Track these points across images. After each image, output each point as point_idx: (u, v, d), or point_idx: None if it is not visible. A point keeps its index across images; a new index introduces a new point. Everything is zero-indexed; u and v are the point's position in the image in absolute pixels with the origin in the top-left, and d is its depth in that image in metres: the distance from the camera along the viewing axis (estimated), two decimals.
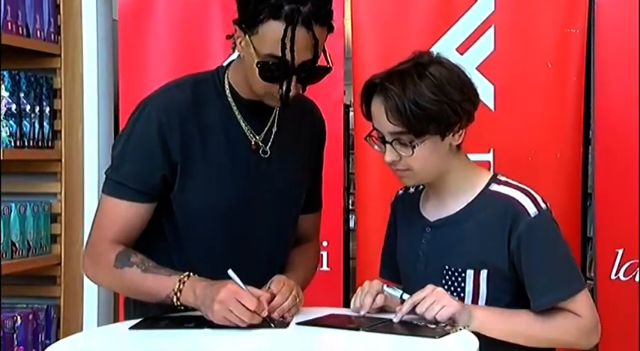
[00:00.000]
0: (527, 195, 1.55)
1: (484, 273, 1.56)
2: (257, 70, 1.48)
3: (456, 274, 1.57)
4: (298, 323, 1.50)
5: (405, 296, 1.52)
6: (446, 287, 1.55)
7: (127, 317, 1.67)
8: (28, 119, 2.43)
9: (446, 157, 1.56)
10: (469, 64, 2.26)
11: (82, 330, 2.49)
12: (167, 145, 1.55)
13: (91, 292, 2.55)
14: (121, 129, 2.44)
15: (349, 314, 1.57)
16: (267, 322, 1.46)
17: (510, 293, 1.57)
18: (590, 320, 1.55)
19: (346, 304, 1.65)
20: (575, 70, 2.29)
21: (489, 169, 2.16)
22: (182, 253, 1.62)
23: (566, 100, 2.30)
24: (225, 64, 1.66)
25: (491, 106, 2.33)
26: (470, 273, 1.56)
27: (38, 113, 2.47)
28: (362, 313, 1.54)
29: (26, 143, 2.43)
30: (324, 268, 2.39)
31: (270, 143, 1.62)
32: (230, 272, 1.47)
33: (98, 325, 2.52)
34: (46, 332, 2.51)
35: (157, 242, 1.62)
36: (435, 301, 1.48)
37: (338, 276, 2.46)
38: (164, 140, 1.55)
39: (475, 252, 1.56)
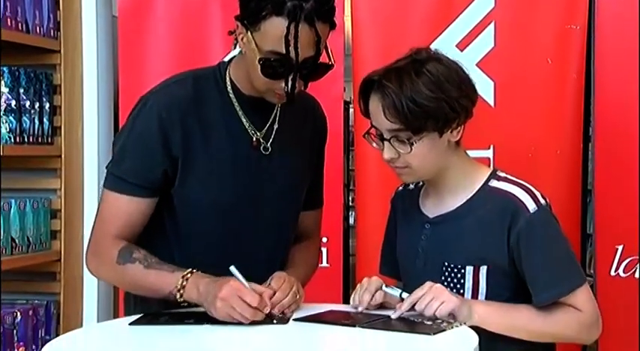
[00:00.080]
0: (526, 191, 1.55)
1: (483, 269, 1.56)
2: (259, 66, 1.48)
3: (456, 270, 1.57)
4: (296, 319, 1.50)
5: (405, 295, 1.52)
6: (445, 284, 1.56)
7: (127, 313, 1.67)
8: (27, 115, 2.43)
9: (444, 153, 1.56)
10: (469, 60, 2.26)
11: (81, 326, 2.49)
12: (168, 140, 1.55)
13: (90, 288, 2.55)
14: (120, 125, 2.45)
15: (348, 310, 1.57)
16: (269, 319, 1.46)
17: (510, 289, 1.57)
18: (591, 315, 1.55)
19: (346, 301, 1.66)
20: (575, 67, 2.28)
21: (489, 166, 2.15)
22: (182, 248, 1.62)
23: (566, 96, 2.30)
24: (226, 60, 1.66)
25: (491, 103, 2.33)
26: (469, 269, 1.56)
27: (38, 109, 2.47)
28: (360, 309, 1.55)
29: (26, 139, 2.43)
30: (324, 264, 2.39)
31: (271, 140, 1.62)
32: (232, 269, 1.48)
33: (98, 321, 2.52)
34: (45, 328, 2.52)
35: (157, 238, 1.62)
36: (433, 297, 1.48)
37: (338, 272, 2.46)
38: (165, 136, 1.55)
39: (474, 248, 1.56)
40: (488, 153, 2.32)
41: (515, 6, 2.33)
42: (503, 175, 1.61)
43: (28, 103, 2.43)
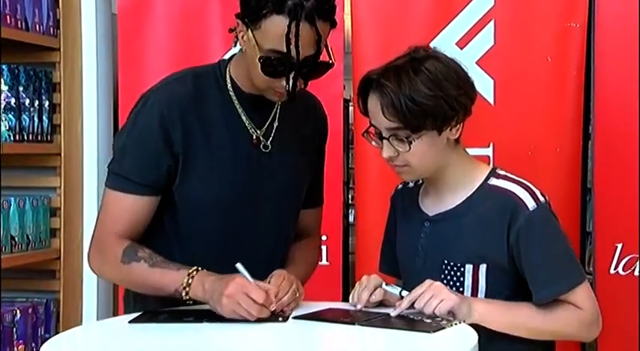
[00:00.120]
0: (525, 189, 1.55)
1: (483, 267, 1.56)
2: (259, 64, 1.48)
3: (455, 268, 1.57)
4: (295, 317, 1.50)
5: (404, 293, 1.52)
6: (445, 282, 1.55)
7: (127, 311, 1.67)
8: (27, 113, 2.43)
9: (444, 151, 1.56)
10: (469, 58, 2.26)
11: (81, 324, 2.49)
12: (169, 137, 1.55)
13: (90, 286, 2.55)
14: (120, 123, 2.46)
15: (347, 308, 1.57)
16: (274, 316, 1.46)
17: (509, 287, 1.57)
18: (591, 313, 1.55)
19: (345, 299, 1.66)
20: (575, 65, 2.28)
21: (489, 164, 2.15)
22: (182, 246, 1.62)
23: (566, 94, 2.30)
24: (226, 57, 1.66)
25: (491, 101, 2.33)
26: (469, 267, 1.56)
27: (37, 107, 2.47)
28: (359, 307, 1.55)
29: (25, 137, 2.43)
30: (324, 262, 2.39)
31: (271, 138, 1.62)
32: (238, 266, 1.48)
33: (97, 319, 2.52)
34: (45, 326, 2.52)
35: (157, 236, 1.62)
36: (433, 295, 1.48)
37: (337, 270, 2.46)
38: (166, 133, 1.55)
39: (474, 246, 1.56)
40: (488, 151, 2.32)
41: (515, 4, 2.33)
42: (502, 173, 1.61)
43: (27, 101, 2.43)
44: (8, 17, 2.36)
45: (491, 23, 2.33)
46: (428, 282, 1.51)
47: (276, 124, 1.63)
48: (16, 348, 2.40)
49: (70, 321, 2.52)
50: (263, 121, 1.62)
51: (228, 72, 1.61)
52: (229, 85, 1.60)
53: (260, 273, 1.54)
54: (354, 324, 1.46)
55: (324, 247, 2.38)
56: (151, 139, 1.55)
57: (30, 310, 2.46)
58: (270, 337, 1.43)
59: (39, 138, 2.48)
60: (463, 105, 1.53)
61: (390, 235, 1.74)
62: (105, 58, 2.58)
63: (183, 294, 1.51)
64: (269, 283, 1.52)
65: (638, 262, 2.25)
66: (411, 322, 1.46)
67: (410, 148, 1.52)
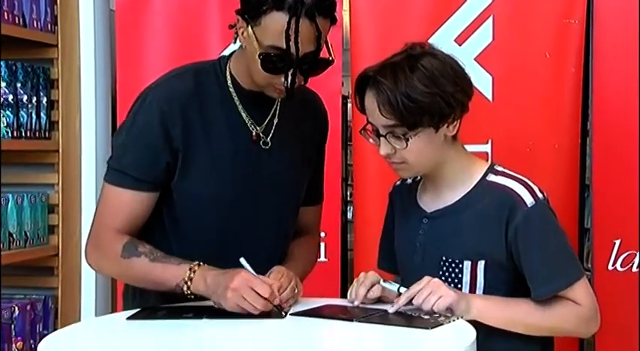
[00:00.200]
0: (524, 185, 1.55)
1: (481, 264, 1.56)
2: (259, 61, 1.48)
3: (453, 265, 1.57)
4: (294, 313, 1.50)
5: (402, 290, 1.52)
6: (443, 278, 1.55)
7: (126, 308, 1.67)
8: (25, 110, 2.43)
9: (441, 148, 1.56)
10: (467, 54, 2.26)
11: (79, 321, 2.49)
12: (169, 134, 1.55)
13: (88, 283, 2.55)
14: (118, 119, 2.46)
15: (345, 305, 1.57)
16: (278, 311, 1.46)
17: (508, 283, 1.57)
18: (590, 308, 1.55)
19: (344, 295, 1.66)
20: (573, 61, 2.28)
21: (487, 160, 2.15)
22: (181, 243, 1.62)
23: (564, 91, 2.30)
24: (226, 54, 1.65)
25: (490, 97, 2.33)
26: (467, 264, 1.56)
27: (35, 104, 2.46)
28: (356, 303, 1.55)
29: (23, 134, 2.42)
30: (322, 258, 2.39)
31: (271, 134, 1.62)
32: (242, 260, 1.49)
33: (96, 316, 2.52)
34: (43, 323, 2.52)
35: (155, 232, 1.62)
36: (431, 291, 1.48)
37: (336, 267, 2.46)
38: (166, 129, 1.55)
39: (472, 243, 1.56)
40: (487, 147, 2.32)
41: (513, 0, 2.33)
42: (500, 169, 1.61)
43: (25, 98, 2.43)
44: (6, 13, 2.35)
45: (490, 19, 2.32)
46: (426, 278, 1.51)
47: (276, 121, 1.63)
48: (14, 345, 2.40)
49: (68, 318, 2.52)
50: (263, 117, 1.62)
51: (228, 68, 1.61)
52: (229, 82, 1.60)
53: (259, 270, 1.53)
54: (352, 320, 1.46)
55: (322, 244, 2.38)
56: (151, 136, 1.55)
57: (28, 307, 2.46)
58: (268, 334, 1.43)
59: (37, 135, 2.47)
60: (460, 101, 1.53)
61: (388, 231, 1.74)
62: (103, 55, 2.57)
63: (185, 288, 1.51)
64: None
65: (636, 258, 2.25)
66: (409, 318, 1.46)
67: (407, 145, 1.52)
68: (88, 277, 2.53)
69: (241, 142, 1.60)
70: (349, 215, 3.34)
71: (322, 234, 2.32)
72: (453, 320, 1.44)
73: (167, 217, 1.62)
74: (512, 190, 1.55)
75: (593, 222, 2.29)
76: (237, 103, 1.60)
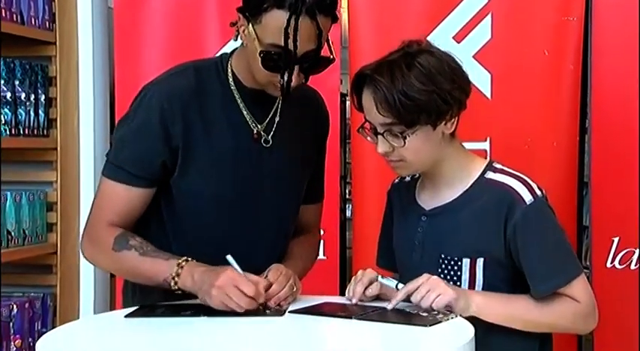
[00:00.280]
0: (522, 182, 1.55)
1: (480, 261, 1.56)
2: (259, 59, 1.47)
3: (452, 262, 1.57)
4: (292, 311, 1.50)
5: (400, 286, 1.52)
6: (442, 276, 1.55)
7: (125, 304, 1.67)
8: (23, 107, 2.42)
9: (439, 145, 1.56)
10: (466, 52, 2.26)
11: (78, 318, 2.48)
12: (168, 131, 1.55)
13: (87, 281, 2.55)
14: (117, 117, 2.45)
15: (343, 302, 1.57)
16: (266, 311, 1.46)
17: (507, 281, 1.57)
18: (587, 305, 1.55)
19: (342, 293, 1.66)
20: (572, 59, 2.28)
21: (486, 158, 2.15)
22: (180, 240, 1.62)
23: (562, 88, 2.30)
24: (228, 51, 1.65)
25: (488, 95, 2.33)
26: (466, 262, 1.56)
27: (33, 101, 2.46)
28: (354, 301, 1.55)
29: (21, 131, 2.42)
30: (321, 256, 2.38)
31: (272, 133, 1.62)
32: (229, 258, 1.48)
33: (94, 314, 2.52)
34: (42, 321, 2.52)
35: (154, 228, 1.63)
36: (430, 289, 1.48)
37: (334, 265, 2.46)
38: (165, 127, 1.55)
39: (471, 240, 1.56)
40: (485, 145, 2.32)
41: None
42: (499, 166, 1.61)
43: (23, 95, 2.42)
44: (4, 11, 2.35)
45: (488, 17, 2.32)
46: (425, 276, 1.51)
47: (277, 119, 1.62)
48: (12, 343, 2.40)
49: (67, 315, 2.52)
50: (264, 115, 1.62)
51: (229, 66, 1.61)
52: (231, 79, 1.60)
53: (259, 268, 1.54)
54: (350, 318, 1.46)
55: (321, 242, 2.38)
56: (150, 133, 1.55)
57: (27, 305, 2.46)
58: (266, 332, 1.43)
59: (35, 132, 2.47)
60: (457, 99, 1.53)
61: (386, 229, 1.74)
62: (101, 52, 2.57)
63: (172, 284, 1.51)
64: (266, 277, 1.52)
65: (634, 256, 2.25)
66: (408, 315, 1.46)
67: (405, 143, 1.52)
68: (86, 275, 2.53)
69: (242, 140, 1.60)
70: (348, 213, 3.34)
71: (321, 232, 2.33)
72: (452, 318, 1.44)
73: (166, 214, 1.62)
74: (510, 187, 1.55)
75: (592, 219, 2.29)
76: (239, 101, 1.60)
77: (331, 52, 1.52)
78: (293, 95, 1.53)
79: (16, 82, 2.41)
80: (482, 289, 1.57)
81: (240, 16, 1.51)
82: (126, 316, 1.50)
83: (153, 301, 1.58)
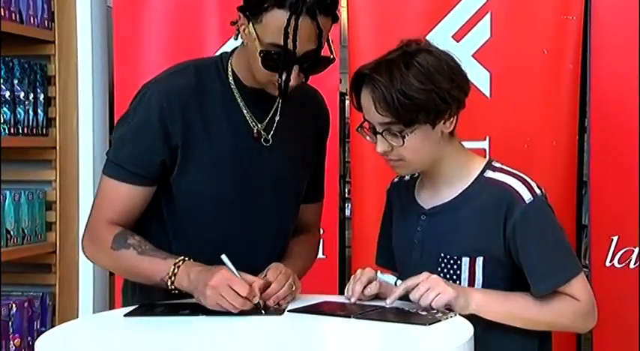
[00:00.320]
0: (522, 181, 1.55)
1: (480, 260, 1.56)
2: (259, 58, 1.47)
3: (452, 261, 1.57)
4: (291, 310, 1.50)
5: (399, 282, 1.52)
6: (441, 275, 1.55)
7: (125, 304, 1.67)
8: (22, 106, 2.42)
9: (438, 144, 1.55)
10: (465, 51, 2.26)
11: (77, 317, 2.48)
12: (168, 130, 1.55)
13: (86, 280, 2.55)
14: (116, 116, 2.45)
15: (342, 302, 1.57)
16: (258, 309, 1.46)
17: (506, 280, 1.57)
18: (587, 304, 1.56)
19: (342, 292, 1.66)
20: (571, 58, 2.28)
21: (485, 157, 2.15)
22: (180, 239, 1.62)
23: (562, 87, 2.30)
24: (227, 50, 1.65)
25: (487, 94, 2.33)
26: (465, 260, 1.56)
27: (32, 100, 2.46)
28: (352, 300, 1.55)
29: (20, 130, 2.42)
30: (320, 255, 2.38)
31: (272, 132, 1.62)
32: (223, 257, 1.48)
33: (94, 313, 2.52)
34: (41, 320, 2.52)
35: (154, 227, 1.62)
36: (429, 288, 1.48)
37: (334, 264, 2.46)
38: (165, 126, 1.55)
39: (471, 239, 1.56)
40: (484, 144, 2.32)
41: None
42: (498, 165, 1.61)
43: (22, 94, 2.42)
44: (2, 10, 2.34)
45: (488, 16, 2.32)
46: (425, 274, 1.51)
47: (277, 119, 1.62)
48: (12, 342, 2.40)
49: (66, 315, 2.52)
50: (264, 115, 1.62)
51: (230, 65, 1.61)
52: (231, 78, 1.60)
53: (259, 267, 1.54)
54: (349, 317, 1.46)
55: (321, 241, 2.38)
56: (149, 132, 1.55)
57: (26, 304, 2.46)
58: (265, 331, 1.43)
59: (34, 131, 2.47)
60: (456, 98, 1.53)
61: (386, 228, 1.74)
62: (100, 51, 2.57)
63: (169, 283, 1.51)
64: (265, 276, 1.52)
65: (633, 255, 2.26)
66: (406, 314, 1.46)
67: (404, 142, 1.51)
68: (85, 274, 2.53)
69: (242, 139, 1.59)
70: (347, 212, 3.34)
71: (321, 231, 2.33)
72: (451, 316, 1.44)
73: (166, 212, 1.62)
74: (510, 186, 1.55)
75: (591, 218, 2.30)
76: (239, 99, 1.60)
77: (331, 52, 1.52)
78: (293, 94, 1.53)
79: (15, 81, 2.40)
80: (482, 287, 1.56)
81: (240, 15, 1.51)
82: (125, 315, 1.50)
83: (153, 300, 1.58)
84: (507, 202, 1.53)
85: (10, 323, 2.39)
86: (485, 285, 1.56)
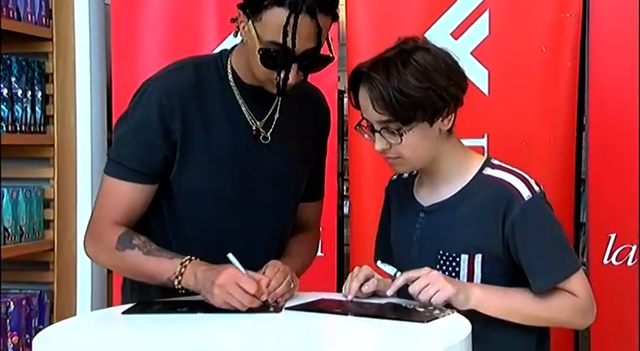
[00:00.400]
0: (520, 178, 1.55)
1: (478, 258, 1.56)
2: (259, 56, 1.47)
3: (450, 259, 1.57)
4: (289, 308, 1.50)
5: (399, 274, 1.52)
6: (440, 272, 1.55)
7: (124, 302, 1.67)
8: (19, 104, 2.42)
9: (436, 142, 1.55)
10: (463, 49, 2.26)
11: (75, 315, 2.48)
12: (168, 127, 1.55)
13: (84, 278, 2.55)
14: (114, 113, 2.45)
15: (340, 299, 1.57)
16: (266, 307, 1.46)
17: (505, 277, 1.57)
18: (586, 300, 1.56)
19: (340, 290, 1.66)
20: (569, 55, 2.28)
21: (483, 155, 2.15)
22: (180, 236, 1.62)
23: (560, 85, 2.30)
24: (226, 47, 1.65)
25: (486, 91, 2.33)
26: (464, 258, 1.56)
27: (30, 98, 2.46)
28: (349, 297, 1.55)
29: (18, 128, 2.42)
30: (319, 253, 2.38)
31: (271, 129, 1.62)
32: (230, 256, 1.48)
33: (92, 311, 2.52)
34: (39, 317, 2.51)
35: (154, 225, 1.62)
36: (429, 283, 1.48)
37: (332, 261, 2.46)
38: (164, 123, 1.55)
39: (469, 237, 1.56)
40: (483, 142, 2.32)
41: None
42: (497, 162, 1.61)
43: (20, 92, 2.42)
44: (0, 7, 2.34)
45: (486, 13, 2.32)
46: (426, 269, 1.51)
47: (276, 116, 1.62)
48: (9, 339, 2.40)
49: (64, 312, 2.52)
50: (263, 112, 1.62)
51: (229, 62, 1.61)
52: (230, 76, 1.60)
53: (257, 264, 1.54)
54: (347, 314, 1.46)
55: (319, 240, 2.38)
56: (149, 129, 1.55)
57: (24, 302, 2.46)
58: (263, 328, 1.43)
59: (32, 129, 2.47)
60: (454, 95, 1.53)
61: (384, 226, 1.74)
62: (98, 49, 2.57)
63: (176, 283, 1.51)
64: (263, 273, 1.52)
65: (631, 253, 2.26)
66: (404, 312, 1.46)
67: (401, 140, 1.51)
68: (83, 272, 2.53)
69: (241, 136, 1.59)
70: (345, 210, 3.35)
71: (320, 229, 2.33)
72: (449, 314, 1.44)
73: (166, 210, 1.62)
74: (509, 183, 1.55)
75: (589, 216, 2.30)
76: (238, 97, 1.60)
77: (331, 51, 1.52)
78: (293, 92, 1.52)
79: (13, 79, 2.40)
80: None
81: (240, 12, 1.51)
82: (123, 313, 1.50)
83: (151, 298, 1.58)
84: (506, 200, 1.53)
85: (8, 321, 2.39)
86: (484, 282, 1.56)
